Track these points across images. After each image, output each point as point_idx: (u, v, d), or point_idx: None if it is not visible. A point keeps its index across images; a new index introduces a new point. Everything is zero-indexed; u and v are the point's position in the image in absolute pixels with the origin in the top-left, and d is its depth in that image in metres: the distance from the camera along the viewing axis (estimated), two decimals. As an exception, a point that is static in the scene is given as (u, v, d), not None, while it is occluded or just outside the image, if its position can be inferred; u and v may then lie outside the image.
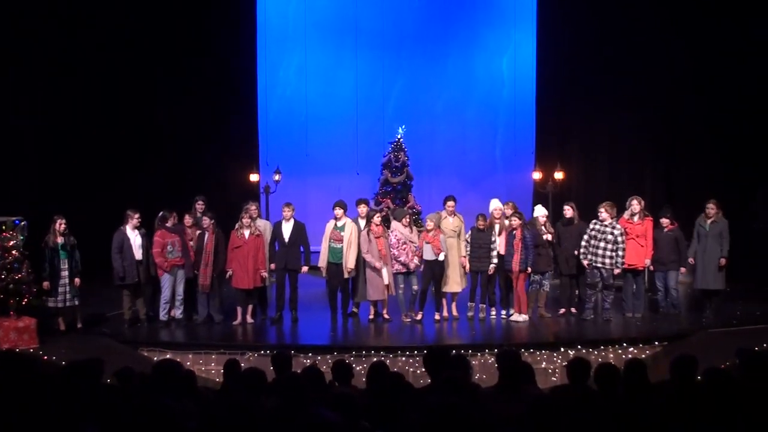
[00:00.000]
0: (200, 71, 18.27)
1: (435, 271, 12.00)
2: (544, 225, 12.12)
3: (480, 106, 21.14)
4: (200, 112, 18.34)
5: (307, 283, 12.92)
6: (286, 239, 12.10)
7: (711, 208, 11.95)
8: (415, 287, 12.09)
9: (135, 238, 11.89)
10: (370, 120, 20.74)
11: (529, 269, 11.79)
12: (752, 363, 5.91)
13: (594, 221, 11.98)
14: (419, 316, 12.11)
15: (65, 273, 11.39)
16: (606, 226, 11.81)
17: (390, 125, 20.33)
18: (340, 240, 11.93)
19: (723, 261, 11.85)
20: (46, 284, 11.17)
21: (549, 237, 12.09)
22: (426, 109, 20.96)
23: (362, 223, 12.26)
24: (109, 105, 16.63)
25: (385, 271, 11.88)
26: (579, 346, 10.63)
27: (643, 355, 10.45)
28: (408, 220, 12.25)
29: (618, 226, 11.83)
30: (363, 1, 20.94)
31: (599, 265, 11.81)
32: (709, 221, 11.93)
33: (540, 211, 12.39)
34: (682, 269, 12.11)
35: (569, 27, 18.68)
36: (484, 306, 12.44)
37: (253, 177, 18.35)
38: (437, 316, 12.20)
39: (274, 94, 20.67)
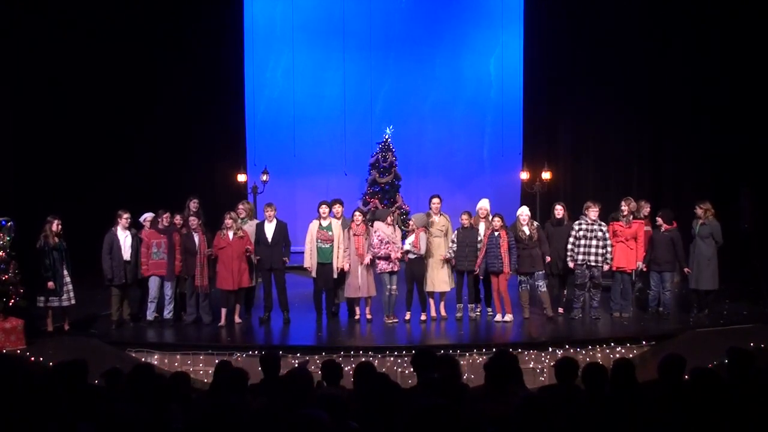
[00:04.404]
0: (187, 72, 18.20)
1: (415, 271, 12.02)
2: (527, 224, 12.09)
3: (467, 106, 21.16)
4: (187, 113, 18.28)
5: (296, 283, 12.92)
6: (269, 239, 12.08)
7: (697, 209, 12.04)
8: (394, 287, 12.06)
9: (125, 239, 11.92)
10: (357, 120, 20.75)
11: (510, 271, 11.88)
12: (742, 362, 5.94)
13: (579, 221, 12.05)
14: (407, 316, 12.11)
15: (66, 272, 11.40)
16: (595, 223, 11.91)
17: (378, 126, 20.35)
18: (328, 240, 11.89)
19: (687, 270, 12.13)
20: (50, 284, 11.15)
21: (530, 236, 12.04)
22: (413, 110, 20.98)
23: (337, 222, 12.25)
24: (94, 105, 16.52)
25: (359, 269, 11.88)
26: (567, 346, 10.66)
27: (631, 355, 10.49)
28: (391, 219, 12.23)
29: (604, 224, 11.99)
30: (350, 3, 20.94)
31: (593, 263, 11.88)
32: (699, 222, 12.01)
33: (522, 211, 12.40)
34: (686, 269, 12.14)
35: (556, 27, 18.73)
36: (473, 306, 12.44)
37: (241, 177, 18.30)
38: (423, 317, 12.20)
39: (261, 94, 20.64)
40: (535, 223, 12.29)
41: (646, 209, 12.93)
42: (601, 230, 11.94)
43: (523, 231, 12.03)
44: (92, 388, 6.21)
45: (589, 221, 11.98)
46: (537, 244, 12.06)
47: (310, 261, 12.03)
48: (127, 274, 11.93)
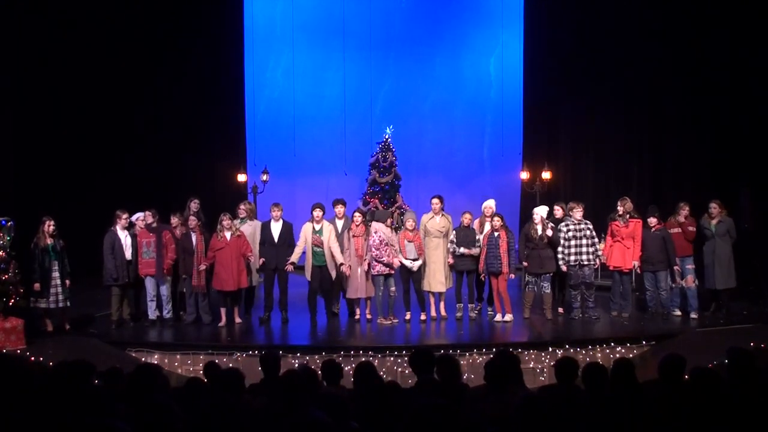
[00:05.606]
0: (187, 72, 18.24)
1: (412, 271, 12.02)
2: (540, 224, 12.05)
3: (467, 106, 21.19)
4: (187, 113, 18.31)
5: (296, 283, 12.92)
6: (276, 239, 12.06)
7: (714, 208, 12.04)
8: (393, 289, 12.09)
9: (125, 239, 11.93)
10: (357, 120, 20.76)
11: (509, 271, 11.85)
12: (742, 362, 5.94)
13: (566, 223, 12.06)
14: (407, 316, 12.12)
15: (56, 274, 11.36)
16: (581, 223, 11.98)
17: (378, 125, 20.38)
18: (321, 243, 11.84)
19: (677, 268, 12.04)
20: (36, 286, 11.13)
21: (542, 231, 11.97)
22: (414, 110, 21.01)
23: (339, 223, 12.24)
24: (94, 105, 16.55)
25: (359, 270, 11.85)
26: (567, 346, 10.65)
27: (631, 355, 10.47)
28: (391, 221, 12.23)
29: (589, 222, 12.08)
30: (350, 3, 20.95)
31: (585, 262, 11.88)
32: (713, 221, 12.01)
33: (539, 211, 12.35)
34: (676, 267, 12.11)
35: (556, 27, 18.73)
36: (474, 305, 12.44)
37: (241, 177, 18.32)
38: (423, 316, 12.19)
39: (261, 94, 20.67)
40: (550, 224, 12.22)
41: (685, 210, 12.35)
42: (588, 228, 11.99)
43: (536, 230, 12.02)
44: (96, 389, 6.21)
45: (575, 221, 12.00)
46: (547, 245, 12.03)
47: (297, 257, 11.98)
48: (129, 274, 11.95)
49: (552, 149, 19.24)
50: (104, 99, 16.73)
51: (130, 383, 5.69)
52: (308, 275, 12.03)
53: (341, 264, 11.73)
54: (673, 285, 12.19)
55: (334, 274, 11.96)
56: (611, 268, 12.21)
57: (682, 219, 12.20)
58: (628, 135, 18.35)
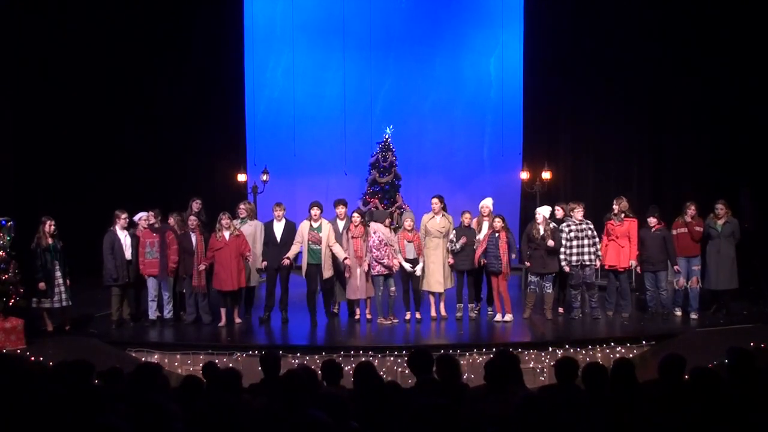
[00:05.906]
0: (187, 72, 18.24)
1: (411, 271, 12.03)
2: (542, 224, 12.03)
3: (467, 106, 21.12)
4: (187, 113, 18.29)
5: (296, 283, 12.93)
6: (279, 239, 12.06)
7: (720, 208, 11.99)
8: (393, 289, 12.09)
9: (125, 239, 11.94)
10: (357, 120, 20.71)
11: (509, 272, 11.86)
12: (742, 362, 5.94)
13: (567, 224, 12.06)
14: (407, 316, 12.12)
15: (58, 274, 11.39)
16: (582, 223, 12.00)
17: (378, 125, 20.32)
18: (318, 241, 11.86)
19: (677, 268, 12.00)
20: (41, 285, 11.15)
21: (544, 232, 11.95)
22: (414, 110, 20.94)
23: (341, 224, 12.23)
24: (94, 105, 16.56)
25: (358, 271, 11.84)
26: (567, 346, 10.65)
27: (631, 355, 10.50)
28: (389, 222, 12.24)
29: (590, 222, 12.11)
30: (350, 3, 20.91)
31: (587, 262, 11.89)
32: (720, 222, 11.99)
33: (542, 211, 12.32)
34: (676, 267, 12.07)
35: (556, 27, 18.71)
36: (473, 305, 12.45)
37: (241, 177, 18.28)
38: (418, 315, 12.21)
39: (261, 94, 20.62)
40: (552, 225, 12.20)
41: (691, 210, 12.22)
42: (589, 228, 12.02)
43: (538, 230, 12.01)
44: (96, 389, 6.21)
45: (576, 221, 12.01)
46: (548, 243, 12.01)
47: (294, 254, 12.01)
48: (129, 274, 11.95)
49: (552, 149, 19.20)
50: (104, 99, 16.73)
51: (130, 383, 5.70)
52: (304, 274, 12.03)
53: (345, 258, 11.71)
54: (678, 288, 12.19)
55: (327, 274, 11.95)
56: (606, 267, 12.22)
57: (688, 219, 12.16)
58: (628, 135, 18.33)
